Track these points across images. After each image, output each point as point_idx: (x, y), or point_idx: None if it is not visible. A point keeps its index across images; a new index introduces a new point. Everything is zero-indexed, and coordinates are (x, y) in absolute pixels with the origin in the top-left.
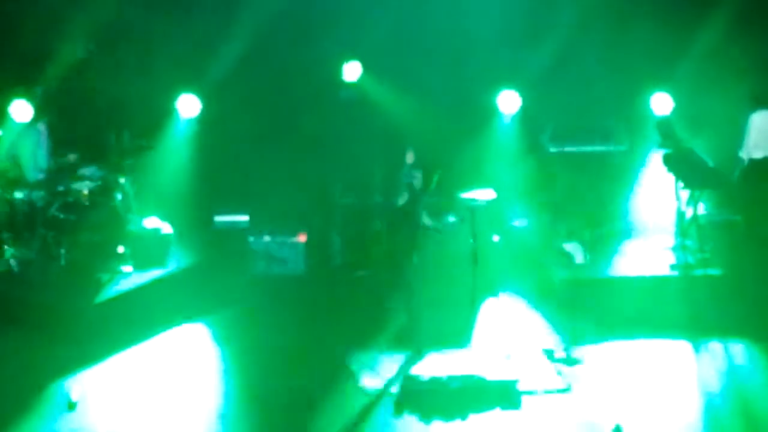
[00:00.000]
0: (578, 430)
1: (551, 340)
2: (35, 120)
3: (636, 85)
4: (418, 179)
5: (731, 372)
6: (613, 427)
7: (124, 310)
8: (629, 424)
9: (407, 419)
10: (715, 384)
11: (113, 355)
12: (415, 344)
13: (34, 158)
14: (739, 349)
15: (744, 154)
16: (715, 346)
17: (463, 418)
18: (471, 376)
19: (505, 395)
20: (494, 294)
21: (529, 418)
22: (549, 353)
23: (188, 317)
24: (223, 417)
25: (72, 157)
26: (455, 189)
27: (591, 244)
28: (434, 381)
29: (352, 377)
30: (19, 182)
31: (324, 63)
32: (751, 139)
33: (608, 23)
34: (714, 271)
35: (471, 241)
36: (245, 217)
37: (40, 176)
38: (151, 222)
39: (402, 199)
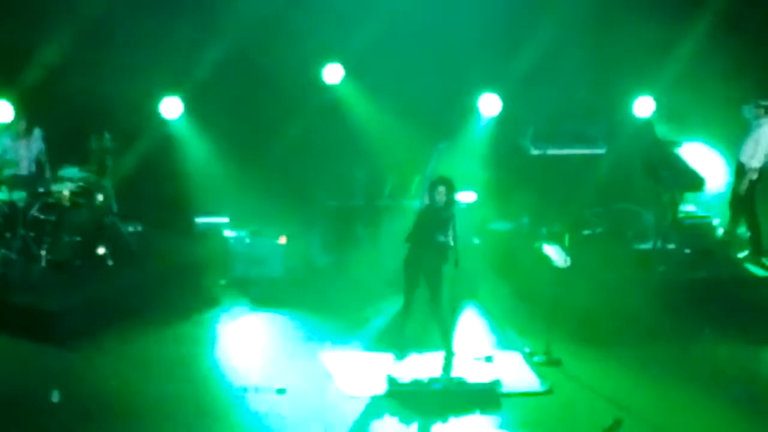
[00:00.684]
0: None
1: (532, 342)
2: (17, 120)
3: (617, 88)
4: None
5: (713, 373)
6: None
7: (105, 312)
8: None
9: (388, 421)
10: (696, 386)
11: (96, 357)
12: (396, 346)
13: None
14: (720, 351)
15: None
16: (697, 348)
17: (444, 419)
18: (452, 378)
19: (486, 397)
20: (474, 296)
21: (510, 420)
22: (529, 355)
23: (169, 319)
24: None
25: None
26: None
27: (571, 247)
28: (415, 383)
29: (333, 379)
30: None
31: (306, 66)
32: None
33: (590, 27)
34: (694, 274)
35: (451, 244)
36: (226, 219)
37: (23, 174)
38: (133, 223)
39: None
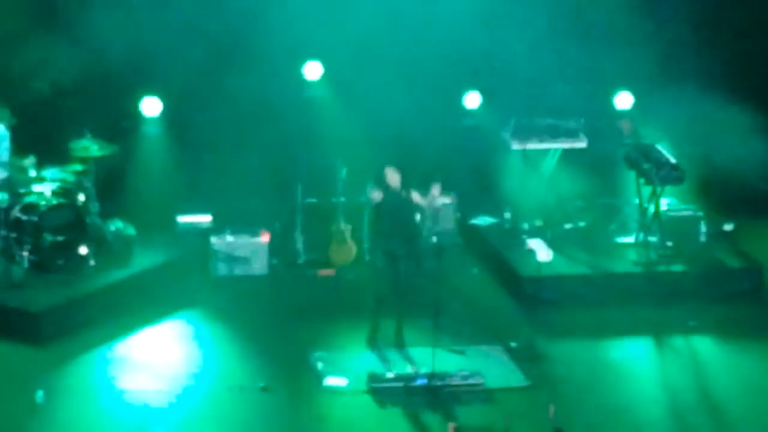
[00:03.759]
0: (541, 425)
1: (515, 337)
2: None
3: (597, 82)
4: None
5: (695, 368)
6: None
7: (87, 312)
8: (593, 420)
9: (372, 417)
10: (679, 380)
11: (77, 357)
12: (378, 341)
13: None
14: (702, 345)
15: None
16: (679, 342)
17: (428, 414)
18: (435, 373)
19: (470, 392)
20: (457, 291)
21: (493, 415)
22: (512, 350)
23: (152, 318)
24: (189, 416)
25: (29, 159)
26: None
27: (553, 241)
28: (399, 378)
29: (317, 376)
30: None
31: (286, 62)
32: None
33: (570, 20)
34: (676, 267)
35: (434, 240)
36: (208, 218)
37: (1, 176)
38: (114, 223)
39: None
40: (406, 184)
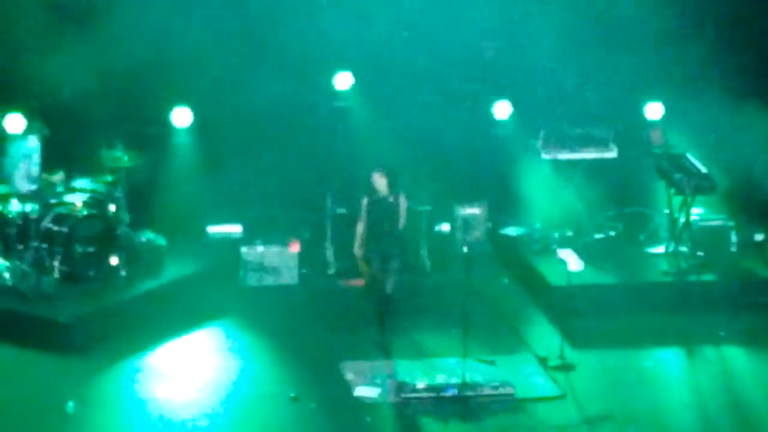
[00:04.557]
0: None
1: (545, 347)
2: (28, 132)
3: (628, 92)
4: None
5: (725, 378)
6: None
7: (118, 322)
8: (623, 430)
9: (403, 428)
10: (709, 389)
11: (108, 367)
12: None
13: (27, 170)
14: (732, 355)
15: None
16: (709, 352)
17: (459, 425)
18: (466, 383)
19: (500, 402)
20: (488, 302)
21: (524, 425)
22: (543, 360)
23: (182, 328)
24: (218, 424)
25: (59, 175)
26: (450, 199)
27: (584, 251)
28: (430, 388)
29: (347, 387)
30: (12, 195)
31: (316, 73)
32: None
33: (600, 29)
34: (707, 277)
35: (465, 250)
36: (238, 228)
37: (32, 188)
38: (145, 233)
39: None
40: (394, 188)
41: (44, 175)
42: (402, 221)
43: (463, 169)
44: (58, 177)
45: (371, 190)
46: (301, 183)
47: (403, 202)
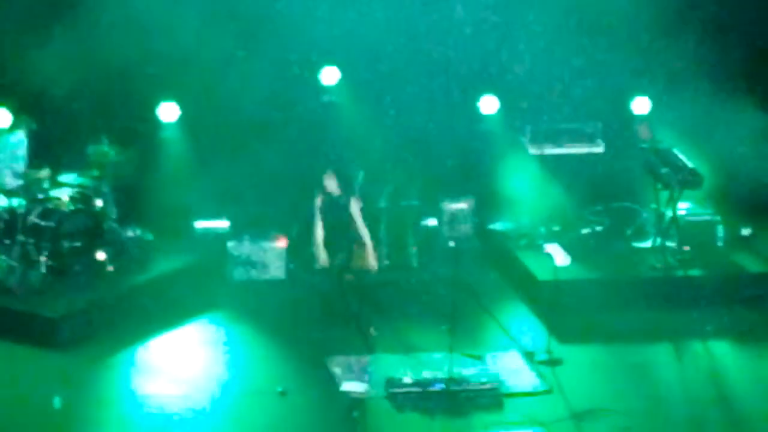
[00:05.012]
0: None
1: (533, 341)
2: (14, 126)
3: (615, 86)
4: None
5: (713, 373)
6: None
7: (105, 317)
8: (611, 425)
9: (390, 422)
10: (696, 384)
11: (96, 362)
12: (397, 347)
13: (11, 165)
14: (720, 349)
15: None
16: (697, 347)
17: (446, 420)
18: (453, 379)
19: (487, 397)
20: (475, 296)
21: (510, 420)
22: (530, 355)
23: (170, 323)
24: (205, 419)
25: (44, 171)
26: (437, 194)
27: (571, 246)
28: (417, 383)
29: (335, 381)
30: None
31: (302, 68)
32: None
33: (587, 25)
34: (694, 272)
35: (451, 244)
36: (225, 223)
37: (18, 184)
38: (132, 228)
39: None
40: (347, 189)
41: (30, 171)
42: (357, 223)
43: (449, 164)
44: (44, 173)
45: (323, 191)
46: (288, 178)
47: (355, 204)
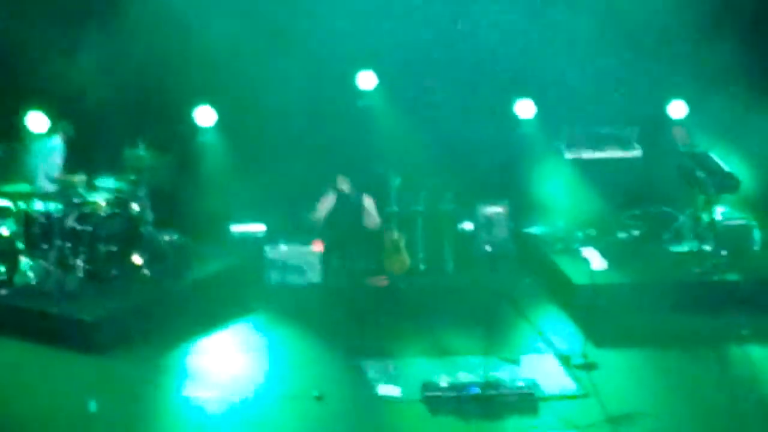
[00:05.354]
0: None
1: (569, 345)
2: (52, 131)
3: (651, 91)
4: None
5: (749, 378)
6: None
7: (142, 321)
8: (645, 429)
9: (426, 426)
10: (733, 389)
11: (132, 366)
12: (432, 351)
13: (47, 170)
14: (756, 355)
15: None
16: (733, 351)
17: (481, 424)
18: (489, 382)
19: (523, 401)
20: (511, 299)
21: (546, 424)
22: (566, 359)
23: (206, 327)
24: (241, 423)
25: (80, 177)
26: (473, 198)
27: (608, 250)
28: (453, 387)
29: (370, 385)
30: (36, 194)
31: (339, 72)
32: None
33: (624, 29)
34: (730, 276)
35: (488, 249)
36: (262, 227)
37: (52, 188)
38: (168, 232)
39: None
40: (360, 189)
41: (65, 176)
42: (371, 220)
43: (486, 168)
44: (79, 178)
45: (336, 192)
46: (325, 182)
47: (368, 201)
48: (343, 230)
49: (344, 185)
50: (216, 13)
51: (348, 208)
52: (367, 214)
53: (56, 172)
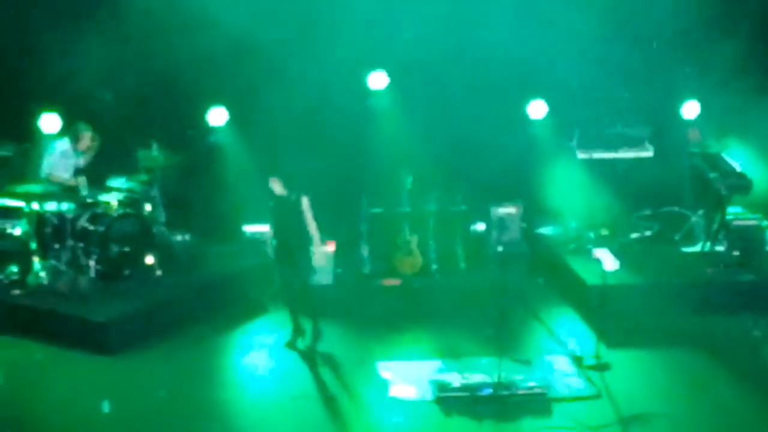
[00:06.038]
0: None
1: (581, 346)
2: (63, 132)
3: (664, 91)
4: None
5: (761, 379)
6: None
7: (154, 322)
8: (658, 430)
9: (438, 426)
10: (744, 389)
11: (145, 367)
12: (445, 351)
13: (43, 167)
14: None
15: None
16: (745, 352)
17: (494, 424)
18: (501, 383)
19: (535, 402)
20: (523, 300)
21: (559, 425)
22: (578, 359)
23: (218, 328)
24: (253, 424)
25: (80, 179)
26: (485, 199)
27: (620, 251)
28: (465, 387)
29: (383, 385)
30: (48, 195)
31: (350, 72)
32: None
33: (636, 29)
34: (743, 276)
35: (500, 249)
36: None
37: (51, 189)
38: (180, 232)
39: None
40: (296, 190)
41: (60, 177)
42: (308, 222)
43: (498, 169)
44: (81, 181)
45: (271, 194)
46: (336, 182)
47: (305, 202)
48: (286, 237)
49: (276, 186)
50: (228, 13)
51: (286, 210)
52: (309, 219)
53: (49, 171)
